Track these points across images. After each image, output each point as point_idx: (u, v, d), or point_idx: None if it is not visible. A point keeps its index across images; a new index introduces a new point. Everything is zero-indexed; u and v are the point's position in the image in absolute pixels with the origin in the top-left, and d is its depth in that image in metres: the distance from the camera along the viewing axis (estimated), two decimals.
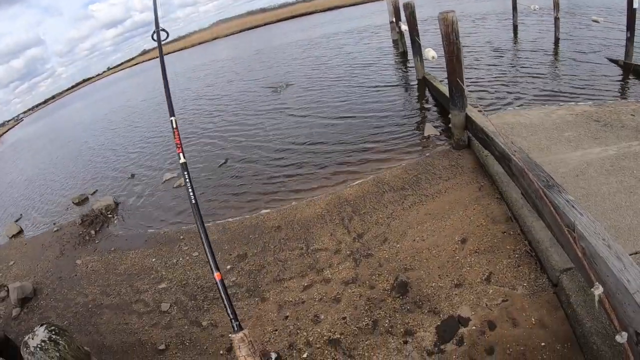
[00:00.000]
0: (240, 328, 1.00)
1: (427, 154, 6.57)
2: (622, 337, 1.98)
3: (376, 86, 11.41)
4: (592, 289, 2.17)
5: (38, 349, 2.52)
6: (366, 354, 3.37)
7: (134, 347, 4.36)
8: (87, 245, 7.35)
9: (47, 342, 2.54)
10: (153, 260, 6.03)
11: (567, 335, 2.97)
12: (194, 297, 4.85)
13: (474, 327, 3.29)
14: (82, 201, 10.14)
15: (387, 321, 3.60)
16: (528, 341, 3.01)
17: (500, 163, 4.86)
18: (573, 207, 2.83)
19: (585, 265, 2.35)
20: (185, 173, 1.39)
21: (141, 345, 4.35)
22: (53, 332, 2.61)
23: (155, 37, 2.56)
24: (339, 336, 3.61)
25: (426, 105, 9.09)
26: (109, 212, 8.52)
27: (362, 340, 3.49)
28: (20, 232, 9.61)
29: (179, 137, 1.48)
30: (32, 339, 2.59)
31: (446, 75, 6.19)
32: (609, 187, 4.23)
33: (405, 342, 3.35)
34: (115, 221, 8.15)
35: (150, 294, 5.22)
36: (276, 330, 3.91)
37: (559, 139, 5.53)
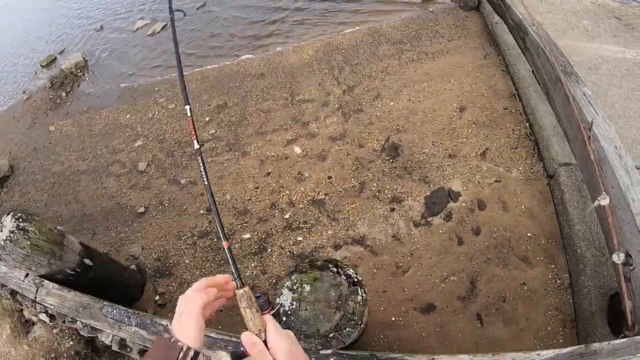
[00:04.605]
0: (243, 285, 1.14)
1: (430, 9, 5.82)
2: (618, 258, 1.96)
3: None
4: (598, 198, 2.10)
5: (8, 241, 2.36)
6: (351, 217, 3.29)
7: (113, 212, 4.24)
8: (58, 110, 6.83)
9: (16, 231, 2.37)
10: (128, 116, 5.67)
11: (553, 231, 2.91)
12: (171, 154, 4.62)
13: (463, 204, 3.19)
14: (50, 62, 9.25)
15: (374, 184, 3.47)
16: (515, 228, 2.96)
17: (513, 34, 4.39)
18: (590, 103, 2.59)
19: (596, 169, 2.22)
20: (199, 158, 1.48)
21: (120, 209, 4.24)
22: (20, 220, 2.41)
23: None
24: (323, 197, 3.50)
25: None
26: (78, 70, 7.85)
27: (348, 203, 3.39)
28: None
29: (194, 127, 1.58)
30: (1, 231, 2.40)
31: None
32: (620, 91, 3.94)
33: (392, 210, 3.27)
34: (87, 79, 7.53)
35: (126, 153, 4.98)
36: (257, 187, 3.78)
37: (577, 25, 5.03)
